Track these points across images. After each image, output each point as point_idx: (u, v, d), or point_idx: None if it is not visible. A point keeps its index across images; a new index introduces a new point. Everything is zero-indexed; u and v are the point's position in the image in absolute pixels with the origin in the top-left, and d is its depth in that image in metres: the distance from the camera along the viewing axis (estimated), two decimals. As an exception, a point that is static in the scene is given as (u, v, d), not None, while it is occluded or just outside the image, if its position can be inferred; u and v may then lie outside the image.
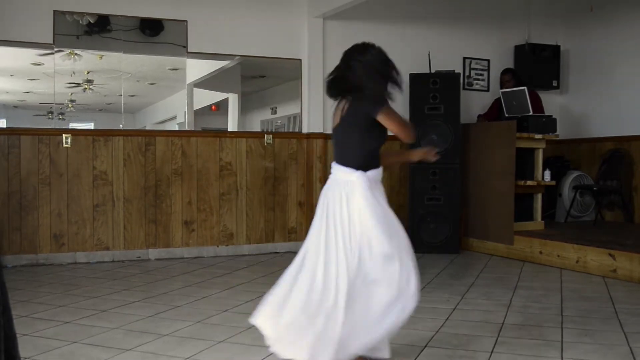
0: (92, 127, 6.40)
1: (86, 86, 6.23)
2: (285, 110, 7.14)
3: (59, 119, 6.15)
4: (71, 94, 6.19)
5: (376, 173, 2.97)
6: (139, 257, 6.27)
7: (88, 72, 6.23)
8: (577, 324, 3.83)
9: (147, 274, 5.54)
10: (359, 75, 2.91)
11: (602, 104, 7.85)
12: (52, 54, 5.97)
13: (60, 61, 6.04)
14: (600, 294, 4.73)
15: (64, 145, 6.04)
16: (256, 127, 7.10)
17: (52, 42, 5.99)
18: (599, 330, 3.71)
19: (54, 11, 5.98)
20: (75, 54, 6.11)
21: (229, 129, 6.83)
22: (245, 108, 6.98)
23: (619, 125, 7.55)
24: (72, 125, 6.25)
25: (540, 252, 6.03)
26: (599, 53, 7.90)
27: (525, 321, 3.92)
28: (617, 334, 3.63)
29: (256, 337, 3.54)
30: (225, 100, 7.00)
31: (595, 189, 7.33)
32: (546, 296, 4.64)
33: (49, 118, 6.09)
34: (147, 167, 6.32)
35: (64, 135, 6.03)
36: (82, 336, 3.57)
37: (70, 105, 6.22)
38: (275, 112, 7.20)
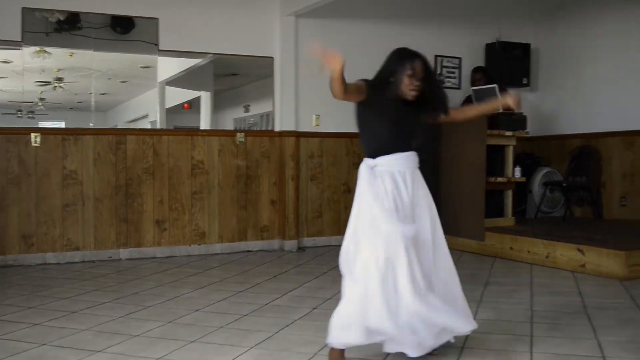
0: (63, 126, 6.32)
1: (56, 84, 6.15)
2: (259, 108, 7.12)
3: (29, 117, 6.05)
4: (41, 92, 6.11)
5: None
6: (110, 257, 6.21)
7: (58, 70, 6.15)
8: (547, 319, 3.89)
9: (118, 274, 5.49)
10: None
11: (571, 101, 7.96)
12: (19, 50, 5.89)
13: (29, 59, 5.95)
14: (570, 289, 4.80)
15: (33, 145, 5.95)
16: (229, 126, 7.06)
17: (20, 40, 5.89)
18: (568, 324, 3.77)
19: (23, 8, 5.88)
20: (45, 51, 6.03)
21: (202, 127, 6.80)
22: (218, 106, 6.95)
23: (587, 122, 7.66)
24: (43, 124, 6.15)
25: (511, 248, 6.10)
26: (569, 51, 8.01)
27: (495, 316, 3.96)
28: (585, 328, 3.69)
29: (228, 337, 3.55)
30: (198, 99, 6.96)
31: (564, 185, 7.44)
32: (516, 291, 4.70)
33: (18, 117, 6.00)
34: (118, 166, 6.26)
35: (32, 135, 5.94)
36: (51, 338, 3.53)
37: (39, 104, 6.13)
38: (248, 110, 7.18)
